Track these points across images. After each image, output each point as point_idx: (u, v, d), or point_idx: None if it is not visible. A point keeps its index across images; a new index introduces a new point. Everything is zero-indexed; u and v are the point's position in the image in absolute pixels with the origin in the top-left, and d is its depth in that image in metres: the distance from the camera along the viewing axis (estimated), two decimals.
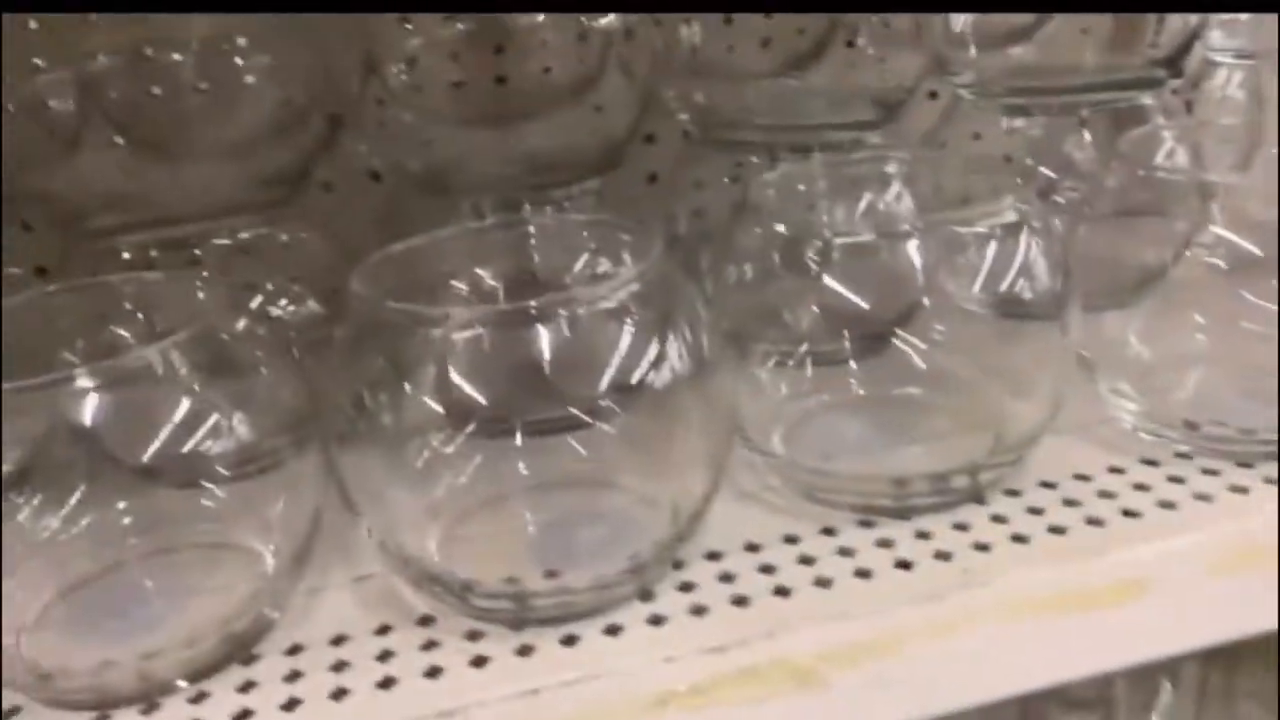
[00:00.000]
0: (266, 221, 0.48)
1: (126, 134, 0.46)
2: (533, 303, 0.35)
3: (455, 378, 0.36)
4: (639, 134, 0.51)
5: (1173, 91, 0.69)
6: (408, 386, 0.36)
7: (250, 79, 0.47)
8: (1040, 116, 0.56)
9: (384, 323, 0.35)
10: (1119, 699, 0.67)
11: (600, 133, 0.48)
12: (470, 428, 0.39)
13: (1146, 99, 0.55)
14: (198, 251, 0.47)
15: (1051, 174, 0.58)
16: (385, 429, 0.37)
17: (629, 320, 0.36)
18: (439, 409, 0.37)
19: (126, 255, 0.46)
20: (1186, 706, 0.68)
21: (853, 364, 0.45)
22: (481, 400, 0.37)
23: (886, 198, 0.50)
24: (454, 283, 0.46)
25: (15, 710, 0.36)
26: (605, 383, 0.37)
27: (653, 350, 0.37)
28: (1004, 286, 0.40)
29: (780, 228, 0.40)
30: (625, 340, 0.36)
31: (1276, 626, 0.38)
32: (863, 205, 0.50)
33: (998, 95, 0.56)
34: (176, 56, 0.46)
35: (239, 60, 0.47)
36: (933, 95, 0.66)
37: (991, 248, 0.40)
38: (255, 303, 0.48)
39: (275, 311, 0.48)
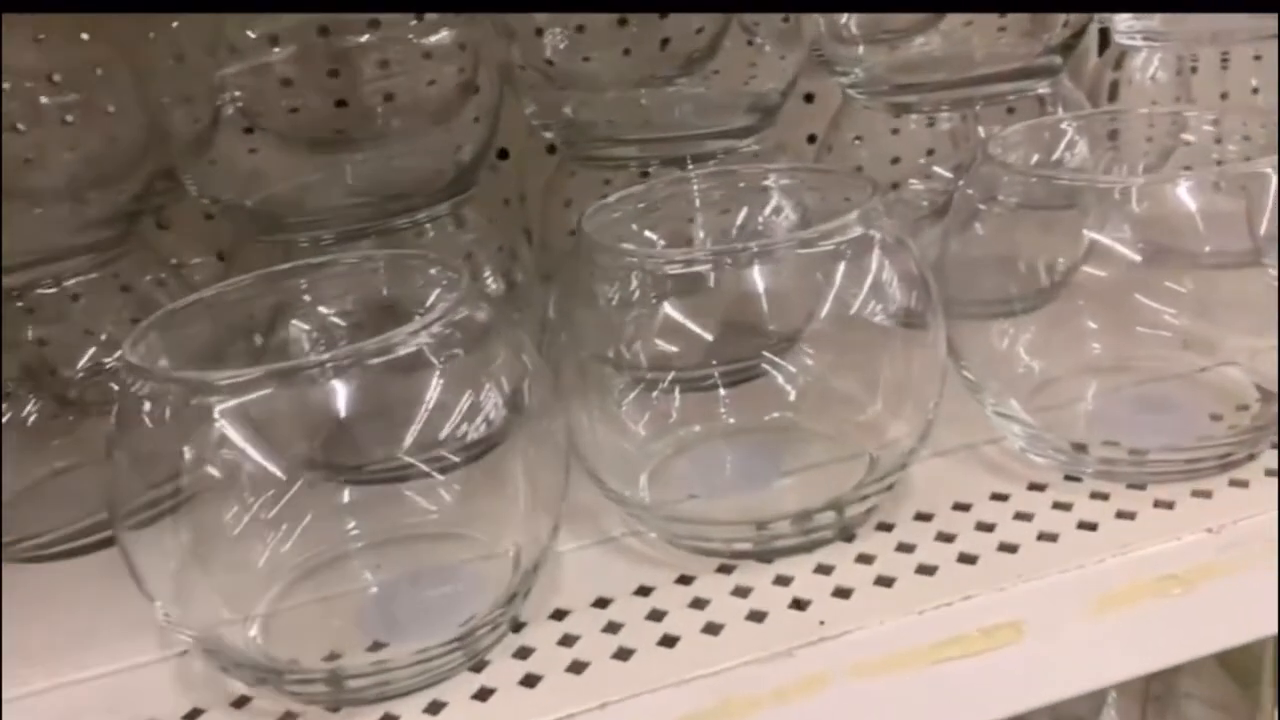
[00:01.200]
0: (98, 265, 0.45)
1: None
2: (325, 356, 0.32)
3: (250, 442, 0.33)
4: (491, 154, 0.47)
5: (1091, 74, 0.66)
6: (195, 455, 0.33)
7: (73, 117, 0.44)
8: (930, 113, 0.53)
9: (161, 391, 0.32)
10: (1059, 708, 0.64)
11: (448, 156, 0.45)
12: (292, 490, 0.36)
13: (1042, 88, 0.52)
14: (20, 304, 0.44)
15: (947, 173, 0.55)
16: (184, 505, 0.34)
17: (435, 365, 0.33)
18: (240, 477, 0.34)
19: None
20: (1131, 712, 0.65)
21: (722, 392, 0.43)
22: (290, 460, 0.35)
23: (764, 213, 0.47)
24: (295, 322, 0.43)
25: None
26: (414, 433, 0.34)
27: (466, 395, 0.34)
28: (859, 304, 0.37)
29: (609, 258, 0.37)
30: (434, 386, 0.33)
31: (1160, 666, 0.35)
32: (737, 221, 0.47)
33: (885, 94, 0.53)
34: None
35: (58, 99, 0.44)
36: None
37: (841, 265, 0.37)
38: (87, 355, 0.45)
39: (111, 364, 0.45)
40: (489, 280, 0.47)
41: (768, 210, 0.46)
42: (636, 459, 0.41)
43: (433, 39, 0.44)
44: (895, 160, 0.62)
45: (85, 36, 0.48)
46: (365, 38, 0.43)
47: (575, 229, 0.56)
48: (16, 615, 0.41)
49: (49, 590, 0.43)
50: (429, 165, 0.46)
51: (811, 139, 0.67)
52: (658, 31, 0.52)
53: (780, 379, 0.41)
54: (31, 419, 0.47)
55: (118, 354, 0.46)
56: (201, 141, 0.45)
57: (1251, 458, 0.39)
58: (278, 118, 0.45)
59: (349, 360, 0.32)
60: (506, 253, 0.52)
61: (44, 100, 0.46)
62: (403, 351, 0.32)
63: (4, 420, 0.47)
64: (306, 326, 0.43)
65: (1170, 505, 0.38)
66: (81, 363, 0.46)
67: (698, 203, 0.46)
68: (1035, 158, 0.47)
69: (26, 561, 0.45)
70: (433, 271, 0.40)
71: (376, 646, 0.35)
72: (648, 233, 0.45)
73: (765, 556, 0.38)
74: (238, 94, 0.45)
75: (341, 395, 0.32)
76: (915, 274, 0.37)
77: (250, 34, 0.44)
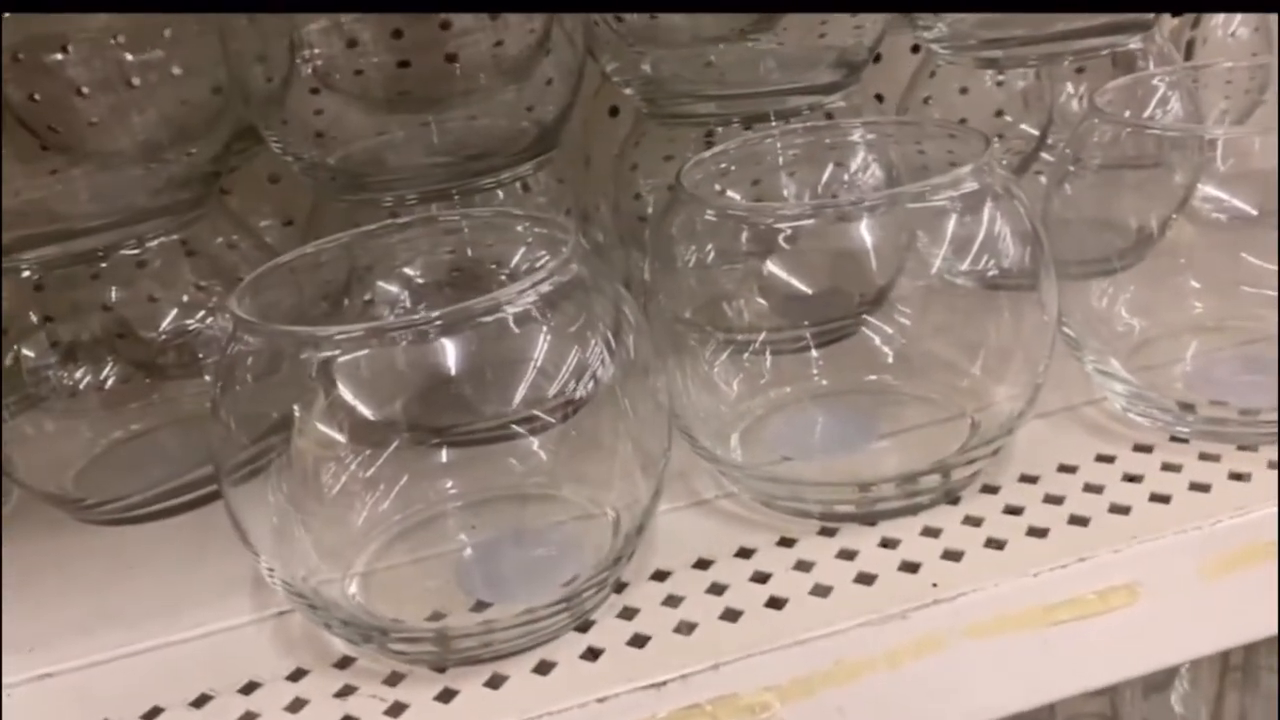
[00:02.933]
0: (180, 227, 0.45)
1: (22, 141, 0.43)
2: (435, 314, 0.31)
3: (354, 399, 0.33)
4: (578, 112, 0.47)
5: (1169, 34, 0.65)
6: (300, 411, 0.32)
7: (140, 80, 0.44)
8: (1019, 69, 0.52)
9: (268, 346, 0.31)
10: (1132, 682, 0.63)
11: (531, 115, 0.45)
12: (391, 447, 0.35)
13: (1134, 43, 0.50)
14: (100, 266, 0.44)
15: (1034, 130, 0.54)
16: (285, 460, 0.33)
17: (542, 323, 0.32)
18: (342, 434, 0.33)
19: (26, 274, 0.43)
20: (1207, 685, 0.64)
21: (815, 353, 0.42)
22: (391, 418, 0.34)
23: (852, 169, 0.46)
24: (381, 284, 0.43)
25: None
26: (521, 392, 0.33)
27: (572, 353, 0.33)
28: (968, 261, 0.36)
29: (710, 212, 0.37)
30: (540, 344, 0.33)
31: None
32: (825, 178, 0.46)
33: (971, 48, 0.51)
34: (64, 56, 0.43)
35: (134, 57, 0.44)
36: (915, 49, 0.63)
37: (952, 221, 0.36)
38: (169, 318, 0.45)
39: (192, 325, 0.45)
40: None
41: (855, 166, 0.45)
42: (728, 418, 0.41)
43: None
44: (963, 121, 0.60)
45: None
46: None
47: (639, 193, 0.57)
48: (104, 577, 0.41)
49: (134, 552, 0.43)
50: (508, 125, 0.45)
51: (879, 99, 0.66)
52: None
53: (877, 340, 0.40)
54: (110, 382, 0.47)
55: (199, 315, 0.46)
56: (278, 100, 0.44)
57: None
58: (355, 79, 0.44)
59: (458, 318, 0.31)
60: (577, 215, 0.52)
61: (110, 63, 0.45)
62: (511, 310, 0.31)
63: (82, 384, 0.47)
64: (393, 288, 0.43)
65: None
66: (163, 326, 0.45)
67: (782, 160, 0.45)
68: (1127, 114, 0.46)
69: (109, 524, 0.45)
70: (520, 229, 0.40)
71: (480, 606, 0.34)
72: (730, 192, 0.44)
73: (868, 519, 0.37)
74: (316, 51, 0.44)
75: (449, 353, 0.32)
76: (1029, 230, 0.36)
77: None
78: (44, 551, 0.43)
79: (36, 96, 0.44)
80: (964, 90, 0.59)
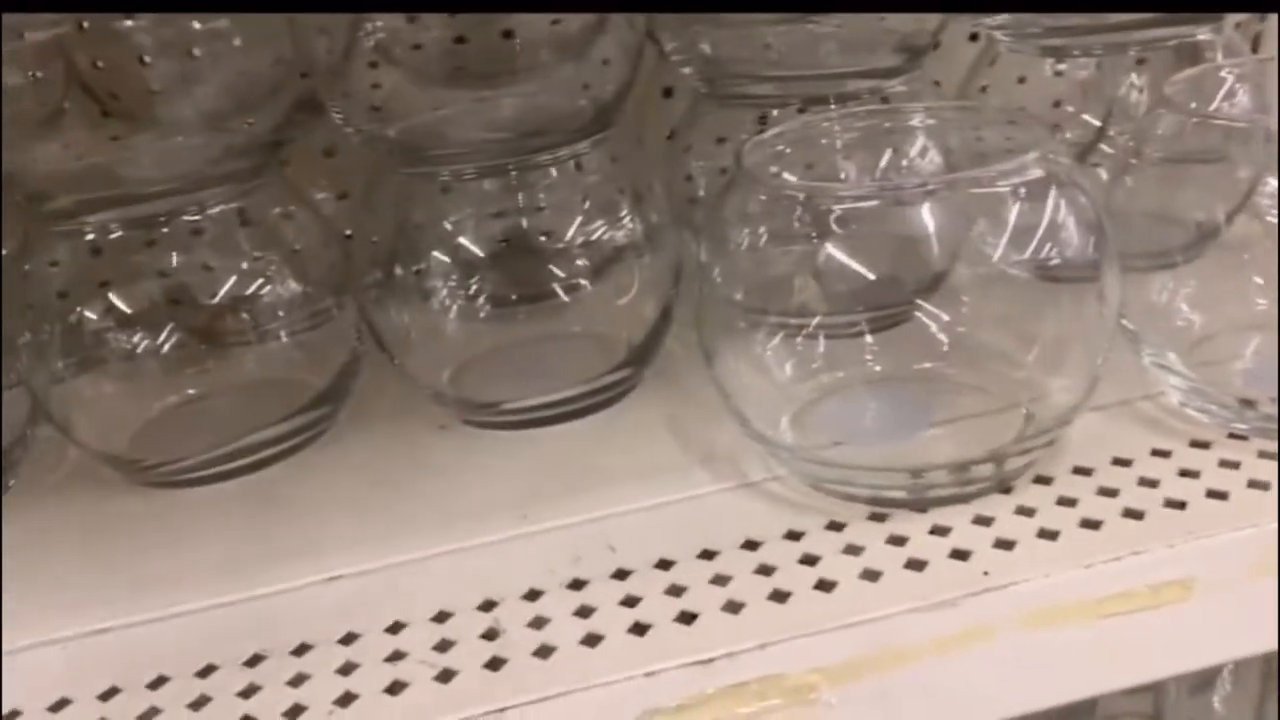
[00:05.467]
0: (239, 196, 0.45)
1: (85, 106, 0.44)
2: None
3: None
4: (633, 91, 0.46)
5: (1236, 25, 0.64)
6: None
7: (215, 48, 0.44)
8: (1082, 58, 0.51)
9: None
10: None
11: (589, 93, 0.45)
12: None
13: (1203, 34, 0.49)
14: (162, 232, 0.44)
15: (1096, 121, 0.53)
16: None
17: None
18: None
19: (90, 236, 0.44)
20: (1250, 687, 0.63)
21: (869, 338, 0.42)
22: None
23: (910, 154, 0.46)
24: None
25: None
26: None
27: None
28: (1030, 250, 0.36)
29: (769, 193, 0.36)
30: None
31: None
32: (883, 163, 0.46)
33: (1035, 36, 0.51)
34: (130, 24, 0.43)
35: (198, 26, 0.44)
36: (973, 38, 0.62)
37: (1015, 208, 0.35)
38: (225, 288, 0.45)
39: (248, 293, 0.45)
40: (626, 220, 0.47)
41: (913, 152, 0.45)
42: (779, 401, 0.41)
43: None
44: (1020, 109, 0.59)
45: None
46: None
47: (690, 174, 0.56)
48: (159, 539, 0.42)
49: (190, 515, 0.43)
50: (565, 103, 0.45)
51: (935, 85, 0.65)
52: None
53: (934, 327, 0.40)
54: (166, 347, 0.47)
55: (255, 284, 0.46)
56: (340, 73, 0.45)
57: None
58: (417, 52, 0.44)
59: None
60: (630, 195, 0.52)
61: (174, 32, 0.46)
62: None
63: (140, 348, 0.47)
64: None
65: None
66: (220, 293, 0.46)
67: (840, 143, 0.45)
68: (1194, 105, 0.45)
69: (163, 487, 0.46)
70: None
71: None
72: (785, 174, 0.44)
73: (919, 505, 0.37)
74: (378, 25, 0.45)
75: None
76: (1093, 220, 0.35)
77: None
78: (98, 513, 0.44)
79: (100, 64, 0.45)
80: (1022, 79, 0.58)
